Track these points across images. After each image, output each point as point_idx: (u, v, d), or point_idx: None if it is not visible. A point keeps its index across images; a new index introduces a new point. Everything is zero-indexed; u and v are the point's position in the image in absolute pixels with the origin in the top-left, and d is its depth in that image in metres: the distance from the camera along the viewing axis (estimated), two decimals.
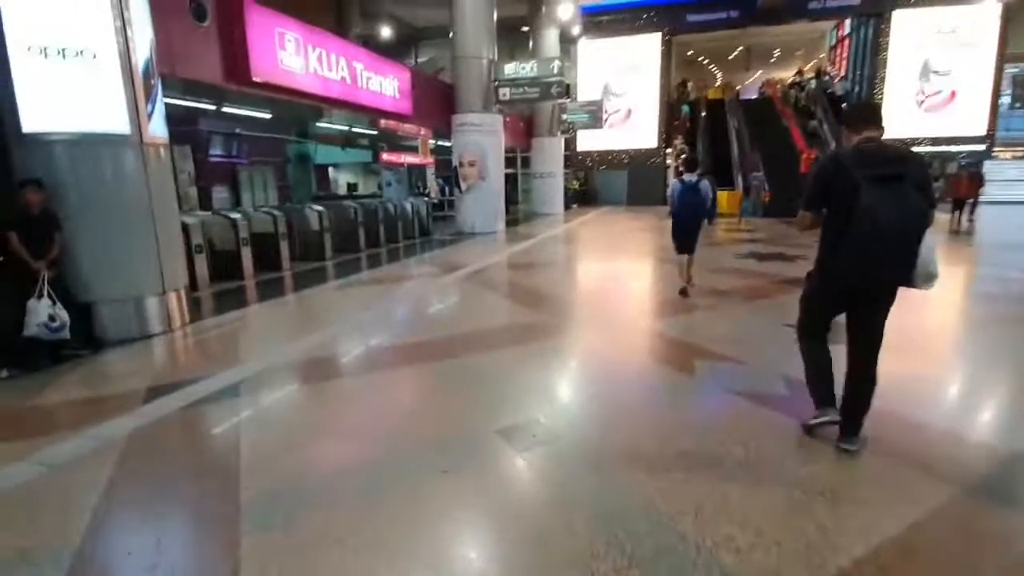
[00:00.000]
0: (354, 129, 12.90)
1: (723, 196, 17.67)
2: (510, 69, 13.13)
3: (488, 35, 12.91)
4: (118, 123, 4.51)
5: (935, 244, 2.26)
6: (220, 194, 12.33)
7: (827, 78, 25.11)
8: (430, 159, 17.11)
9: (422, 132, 13.24)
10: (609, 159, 25.60)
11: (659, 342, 4.61)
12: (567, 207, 23.23)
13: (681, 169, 6.18)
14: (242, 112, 9.59)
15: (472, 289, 6.99)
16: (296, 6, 9.73)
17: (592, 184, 26.00)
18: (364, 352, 4.48)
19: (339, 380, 3.83)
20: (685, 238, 6.08)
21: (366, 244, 10.55)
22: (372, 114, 10.42)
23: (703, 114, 24.46)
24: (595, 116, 20.81)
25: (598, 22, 24.34)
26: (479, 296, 6.63)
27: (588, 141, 25.49)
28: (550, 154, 20.78)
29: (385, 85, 10.48)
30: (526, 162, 22.95)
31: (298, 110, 9.69)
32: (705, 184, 5.97)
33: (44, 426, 3.09)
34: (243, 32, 7.03)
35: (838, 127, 20.35)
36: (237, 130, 12.73)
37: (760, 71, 33.82)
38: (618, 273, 8.40)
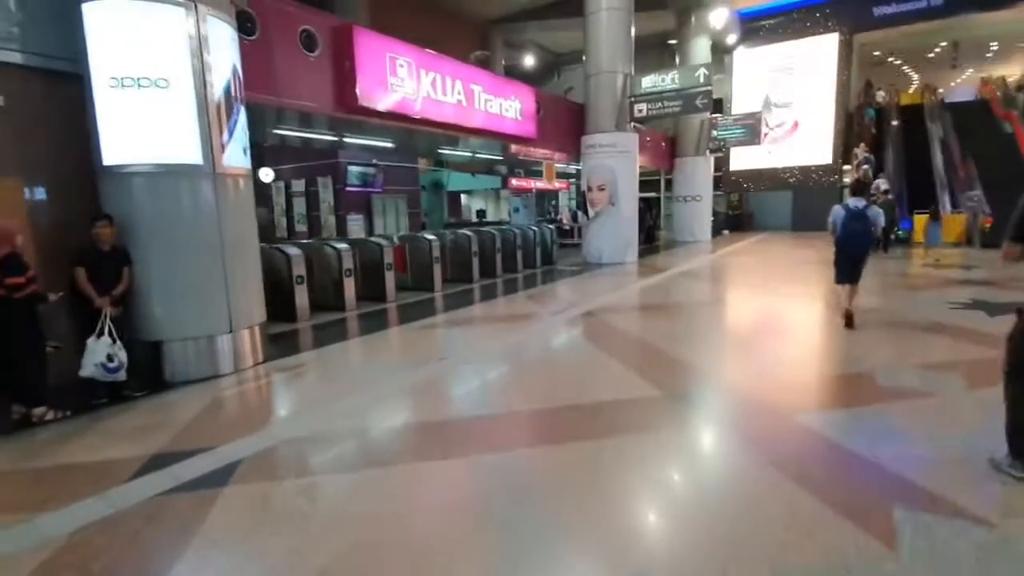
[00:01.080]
0: (478, 155, 12.57)
1: (923, 221, 14.16)
2: (648, 82, 11.83)
3: (624, 48, 11.80)
4: (189, 153, 4.29)
5: None
6: (355, 222, 12.84)
7: None
8: (559, 184, 16.32)
9: (549, 155, 12.44)
10: (769, 178, 22.53)
11: (832, 466, 2.79)
12: (716, 233, 20.82)
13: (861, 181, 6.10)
14: (366, 142, 9.63)
15: (575, 340, 5.81)
16: (441, 40, 9.67)
17: (746, 208, 23.11)
18: (399, 429, 3.58)
19: (352, 474, 2.89)
20: (850, 269, 5.61)
21: (481, 273, 9.94)
22: (490, 138, 9.89)
23: (894, 122, 20.33)
24: (752, 131, 18.32)
25: (758, 27, 21.76)
26: (579, 350, 5.41)
27: (743, 159, 22.75)
28: (696, 175, 18.76)
29: (506, 108, 9.91)
30: (670, 185, 21.11)
31: (424, 138, 9.52)
32: (875, 211, 5.53)
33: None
34: (351, 58, 6.86)
35: None
36: (374, 161, 13.24)
37: (971, 70, 27.62)
38: (771, 327, 6.47)
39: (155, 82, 4.10)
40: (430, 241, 8.81)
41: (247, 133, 4.92)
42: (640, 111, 11.97)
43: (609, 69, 11.81)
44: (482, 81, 9.32)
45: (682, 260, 12.70)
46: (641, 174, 23.66)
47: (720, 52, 22.18)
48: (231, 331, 4.65)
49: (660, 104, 11.76)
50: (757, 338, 5.97)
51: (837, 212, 5.58)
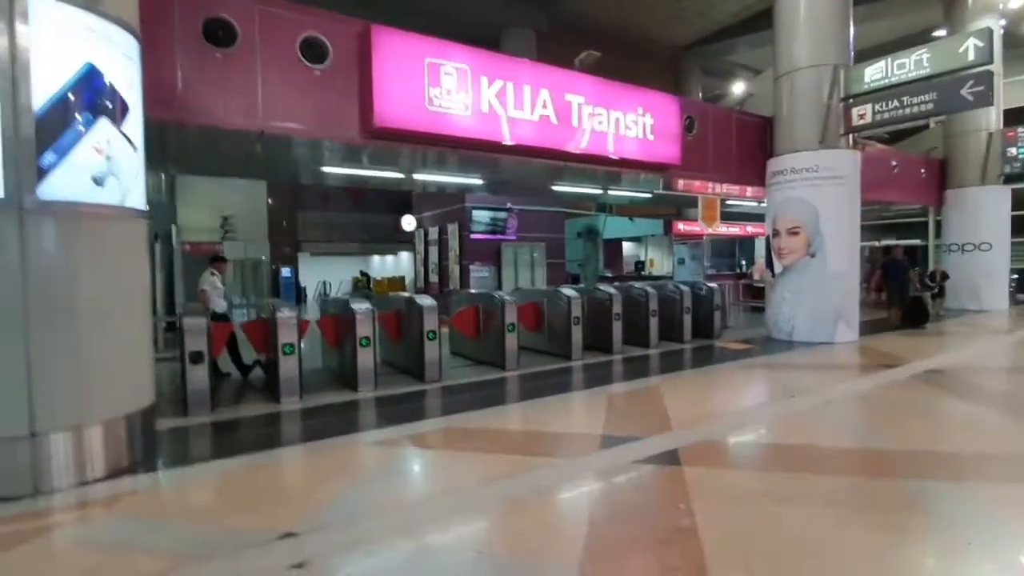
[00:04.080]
0: (627, 192, 9.87)
1: None
2: (875, 73, 7.79)
3: (835, 29, 8.08)
4: None
5: None
6: (479, 273, 11.29)
7: None
8: (733, 227, 12.19)
9: (710, 187, 9.13)
10: None
11: None
12: (1017, 300, 13.89)
13: None
14: (431, 178, 7.89)
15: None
16: (628, 77, 7.78)
17: None
18: None
19: None
20: None
21: (584, 347, 7.28)
22: (601, 164, 7.25)
23: None
24: None
25: None
26: None
27: None
28: (981, 214, 12.67)
29: (626, 124, 7.22)
30: (941, 227, 14.91)
31: (511, 169, 7.40)
32: None
33: None
34: (368, 67, 5.26)
35: None
36: (508, 205, 11.65)
37: None
38: None
39: None
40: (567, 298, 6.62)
41: (133, 163, 3.54)
42: (862, 116, 7.92)
43: (811, 62, 8.18)
44: (584, 89, 6.85)
45: (938, 347, 7.85)
46: (899, 213, 17.48)
47: (1017, 44, 15.46)
48: (32, 433, 3.11)
49: (896, 104, 7.58)
50: None
51: None
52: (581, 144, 6.89)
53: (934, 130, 15.34)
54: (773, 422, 4.43)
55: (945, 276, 12.80)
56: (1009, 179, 12.95)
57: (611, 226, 14.41)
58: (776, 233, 8.64)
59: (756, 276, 13.81)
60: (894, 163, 11.66)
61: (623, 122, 7.22)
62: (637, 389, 5.65)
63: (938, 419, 4.47)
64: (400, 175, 7.41)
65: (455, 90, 5.84)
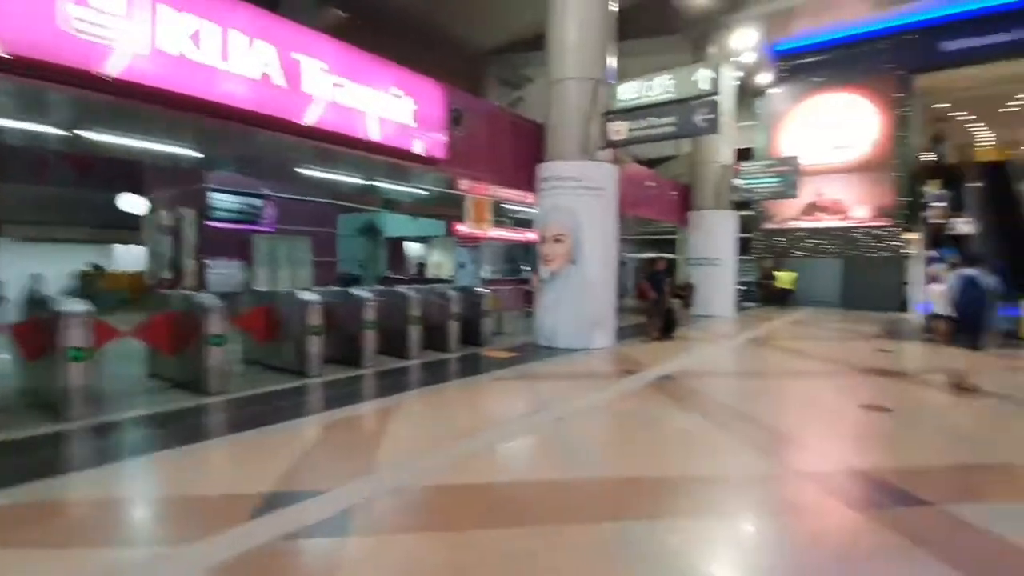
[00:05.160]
0: (378, 183, 8.86)
1: None
2: (629, 91, 8.19)
3: (598, 42, 8.31)
4: None
5: None
6: (219, 271, 9.31)
7: None
8: (505, 231, 12.25)
9: (479, 188, 8.75)
10: (809, 242, 18.32)
11: None
12: (742, 308, 16.58)
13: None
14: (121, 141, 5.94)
15: None
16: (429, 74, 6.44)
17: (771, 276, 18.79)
18: None
19: None
20: (970, 331, 6.18)
21: (327, 360, 6.20)
22: (345, 146, 6.26)
23: (972, 185, 15.95)
24: (787, 181, 14.40)
25: (796, 67, 18.26)
26: None
27: (780, 217, 18.74)
28: (715, 233, 14.77)
29: (382, 104, 6.35)
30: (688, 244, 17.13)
31: (240, 142, 5.91)
32: (989, 279, 6.29)
33: None
34: None
35: None
36: (264, 191, 9.91)
37: None
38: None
39: None
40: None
41: None
42: (618, 132, 8.27)
43: (577, 74, 8.29)
44: (324, 54, 5.77)
45: (675, 353, 8.57)
46: (658, 229, 19.94)
47: (750, 95, 18.73)
48: None
49: (646, 123, 8.04)
50: None
51: (953, 280, 6.54)
52: (316, 117, 5.74)
53: (682, 158, 17.73)
54: (493, 451, 3.88)
55: (692, 288, 14.63)
56: (737, 205, 15.42)
57: (394, 225, 13.43)
58: (543, 240, 8.60)
59: (535, 283, 14.16)
60: (651, 183, 12.89)
61: (378, 101, 6.28)
62: (366, 413, 4.73)
63: (655, 434, 4.41)
64: (55, 129, 5.33)
65: (119, 15, 4.23)
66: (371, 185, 8.28)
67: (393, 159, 6.81)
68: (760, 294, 18.79)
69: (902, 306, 15.71)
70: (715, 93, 7.51)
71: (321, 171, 7.55)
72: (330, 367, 6.19)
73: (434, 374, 6.39)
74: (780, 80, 18.50)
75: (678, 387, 5.97)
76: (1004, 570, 2.36)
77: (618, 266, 9.35)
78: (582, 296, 8.30)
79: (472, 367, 6.89)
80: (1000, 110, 22.22)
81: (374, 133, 6.34)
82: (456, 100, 7.72)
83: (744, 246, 17.82)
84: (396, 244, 15.03)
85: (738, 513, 2.97)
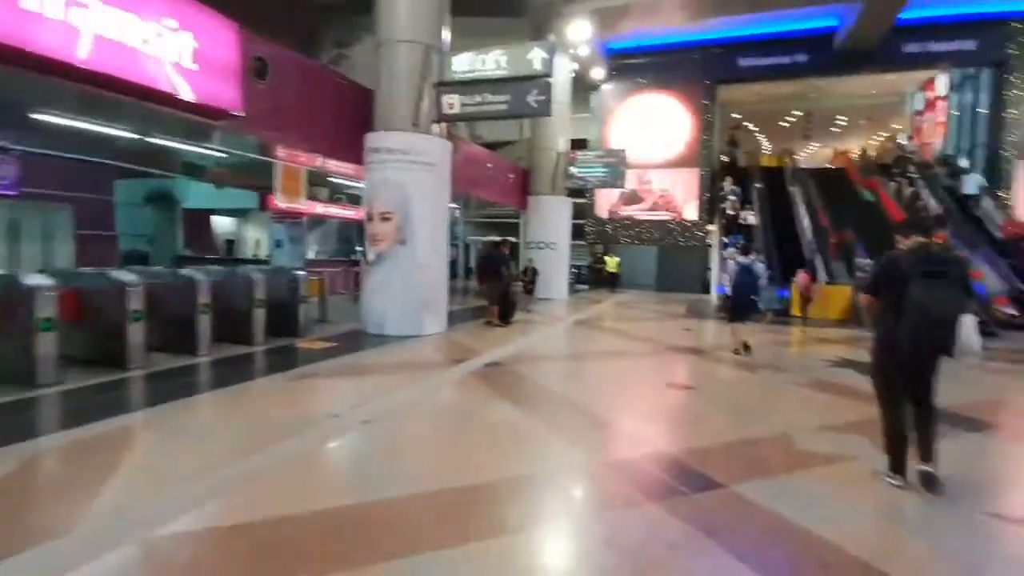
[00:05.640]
0: (154, 140, 7.28)
1: (827, 296, 11.66)
2: (463, 63, 7.74)
3: (433, 8, 7.69)
4: None
5: (973, 325, 2.75)
6: None
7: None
8: (334, 207, 11.23)
9: (292, 155, 7.67)
10: (633, 231, 20.00)
11: None
12: (575, 290, 17.44)
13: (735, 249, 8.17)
14: None
15: None
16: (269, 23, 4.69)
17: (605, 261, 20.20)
18: None
19: None
20: (743, 310, 7.28)
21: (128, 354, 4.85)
22: (103, 87, 4.89)
23: (757, 185, 18.68)
24: (616, 172, 15.36)
25: (625, 66, 19.58)
26: None
27: (609, 205, 20.11)
28: (551, 218, 15.21)
29: (146, 36, 5.02)
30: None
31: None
32: (759, 266, 7.71)
33: None
34: None
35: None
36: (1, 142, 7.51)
37: (818, 144, 28.57)
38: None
39: None
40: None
41: None
42: (451, 105, 7.80)
43: (409, 36, 7.60)
44: None
45: (512, 335, 8.51)
46: (502, 212, 20.04)
47: (586, 88, 19.66)
48: None
49: (480, 98, 7.70)
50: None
51: (732, 267, 7.56)
52: (46, 41, 4.29)
53: (523, 143, 18.03)
54: (266, 476, 3.18)
55: (535, 272, 14.87)
56: (572, 192, 16.05)
57: (196, 195, 11.36)
58: (370, 217, 7.84)
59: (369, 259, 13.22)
60: (490, 165, 12.74)
61: (140, 30, 4.92)
62: (109, 432, 3.65)
63: (469, 433, 4.09)
64: None
65: None
66: (147, 142, 6.67)
67: (159, 106, 5.42)
68: (592, 277, 20.05)
69: (705, 288, 17.91)
70: (548, 75, 7.42)
71: (67, 118, 5.80)
72: (79, 372, 4.83)
73: (223, 373, 5.35)
74: (611, 77, 19.69)
75: (504, 374, 5.77)
76: (781, 553, 2.42)
77: (452, 247, 8.96)
78: (412, 279, 7.75)
79: (277, 362, 5.96)
80: (779, 123, 26.56)
81: (134, 70, 4.98)
82: (259, 48, 6.51)
83: (578, 231, 18.79)
84: (200, 218, 12.72)
85: (544, 522, 2.72)
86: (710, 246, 18.42)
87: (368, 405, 4.47)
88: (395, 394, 4.84)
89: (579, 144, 18.51)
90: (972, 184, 16.45)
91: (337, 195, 17.96)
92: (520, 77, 7.42)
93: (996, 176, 16.61)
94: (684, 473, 3.22)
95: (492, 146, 17.10)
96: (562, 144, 15.26)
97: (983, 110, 17.62)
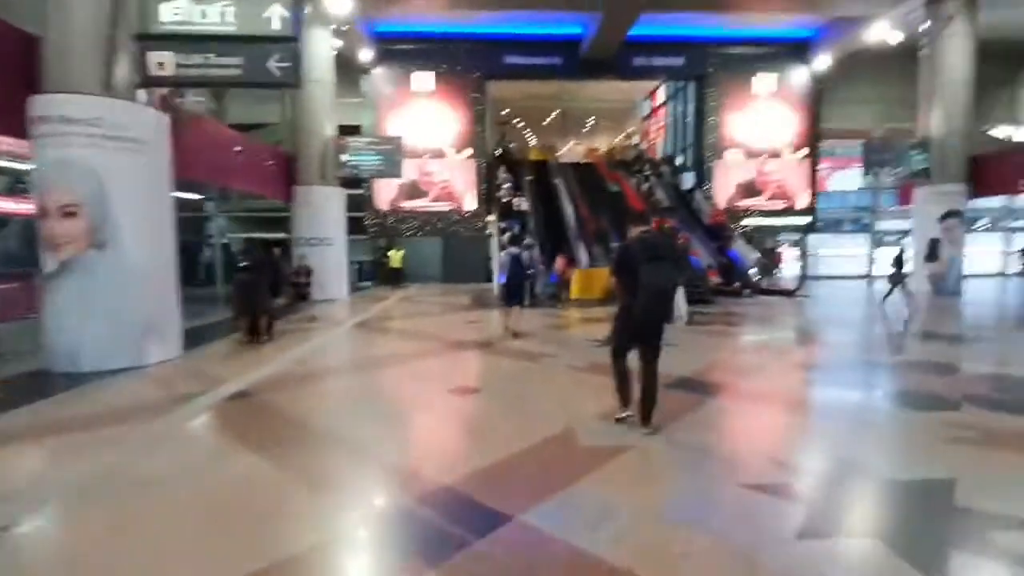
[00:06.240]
0: None
1: (590, 277, 12.54)
2: (173, 12, 6.04)
3: None
4: None
5: (682, 297, 4.96)
6: None
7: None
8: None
9: None
10: (415, 223, 19.51)
11: None
12: (357, 288, 16.25)
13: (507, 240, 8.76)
14: None
15: None
16: None
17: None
18: None
19: None
20: (514, 297, 7.93)
21: None
22: None
23: (528, 178, 19.83)
24: (391, 160, 14.55)
25: (394, 51, 18.79)
26: None
27: (389, 197, 19.20)
28: (323, 211, 13.73)
29: None
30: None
31: None
32: (527, 255, 9.28)
33: None
34: None
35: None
36: None
37: (573, 141, 32.00)
38: None
39: None
40: None
41: None
42: (162, 65, 6.05)
43: None
44: None
45: (272, 352, 7.16)
46: (269, 206, 17.30)
47: (357, 71, 18.32)
48: None
49: (202, 60, 6.11)
50: None
51: (504, 258, 8.03)
52: None
53: (283, 124, 15.96)
54: None
55: (310, 271, 13.20)
56: (346, 183, 14.72)
57: None
58: (44, 212, 5.67)
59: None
60: (239, 148, 10.76)
61: None
62: None
63: (184, 509, 2.99)
64: None
65: None
66: None
67: None
68: (378, 273, 18.99)
69: (488, 277, 18.39)
70: (293, 38, 6.24)
71: None
72: None
73: None
74: (381, 60, 18.71)
75: (252, 408, 4.60)
76: None
77: (207, 247, 7.17)
78: (123, 294, 5.86)
79: None
80: (541, 121, 28.87)
81: None
82: None
83: (357, 225, 17.51)
84: None
85: None
86: (490, 235, 18.98)
87: (24, 496, 2.96)
88: (73, 467, 3.36)
89: (353, 130, 17.17)
90: (688, 180, 20.07)
91: (19, 183, 13.54)
92: (256, 37, 6.08)
93: (701, 173, 20.53)
94: (468, 511, 2.71)
95: (246, 128, 14.68)
96: (329, 128, 13.83)
97: (690, 118, 21.58)
